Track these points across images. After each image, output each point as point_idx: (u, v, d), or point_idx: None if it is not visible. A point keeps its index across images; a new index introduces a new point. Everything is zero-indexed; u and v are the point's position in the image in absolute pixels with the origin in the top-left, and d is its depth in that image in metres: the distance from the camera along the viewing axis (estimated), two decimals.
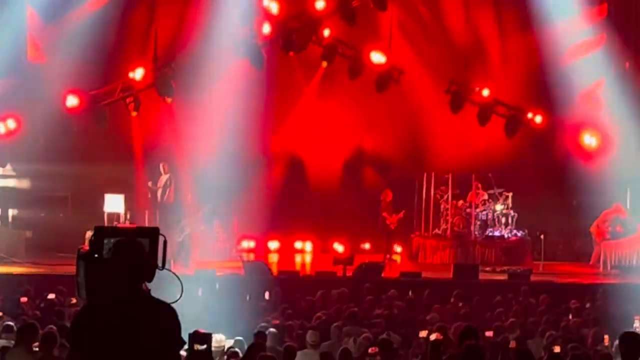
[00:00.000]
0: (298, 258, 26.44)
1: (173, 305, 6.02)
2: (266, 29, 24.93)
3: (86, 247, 6.23)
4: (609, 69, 24.89)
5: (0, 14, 23.61)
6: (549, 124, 25.43)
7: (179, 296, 6.21)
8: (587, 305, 16.96)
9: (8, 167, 26.34)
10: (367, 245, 26.65)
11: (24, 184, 26.81)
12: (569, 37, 25.61)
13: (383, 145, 27.60)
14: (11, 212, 26.32)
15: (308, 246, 27.23)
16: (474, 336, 9.98)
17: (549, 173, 25.85)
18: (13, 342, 11.67)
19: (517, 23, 26.15)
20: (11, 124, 24.27)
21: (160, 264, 6.13)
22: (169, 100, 25.30)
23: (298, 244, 27.23)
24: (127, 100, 25.08)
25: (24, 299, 16.37)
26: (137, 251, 5.90)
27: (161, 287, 6.23)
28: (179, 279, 6.19)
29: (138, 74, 24.70)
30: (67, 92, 24.35)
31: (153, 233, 6.25)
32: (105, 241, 6.18)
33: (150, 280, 5.93)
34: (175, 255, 22.18)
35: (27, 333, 11.22)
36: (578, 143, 25.21)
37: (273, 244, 27.10)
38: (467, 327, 10.45)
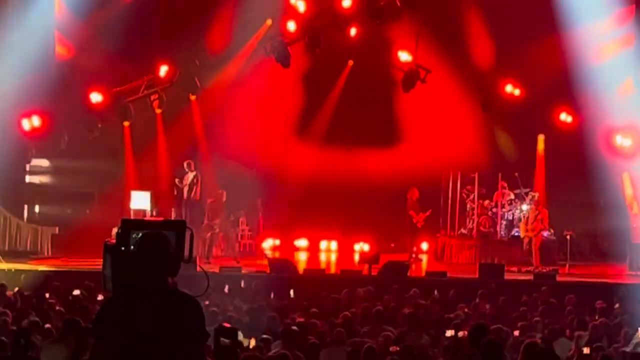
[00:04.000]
0: (323, 257, 26.41)
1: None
2: (292, 27, 24.95)
3: (113, 240, 6.20)
4: (638, 69, 24.72)
5: (28, 9, 23.67)
6: (578, 123, 25.31)
7: (204, 291, 6.18)
8: (616, 305, 16.80)
9: (34, 163, 26.42)
10: (393, 244, 26.59)
11: (50, 180, 26.87)
12: (598, 38, 25.47)
13: (410, 144, 27.51)
14: (38, 209, 26.39)
15: (334, 245, 27.19)
16: (485, 333, 9.86)
17: (576, 173, 25.67)
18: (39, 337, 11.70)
19: (546, 24, 25.98)
20: (37, 120, 24.34)
21: (186, 258, 6.09)
22: (192, 97, 25.38)
23: (324, 243, 27.20)
24: (152, 97, 25.17)
25: (48, 295, 16.46)
26: (162, 244, 5.85)
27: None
28: (206, 273, 6.17)
29: (163, 71, 24.78)
30: (92, 89, 24.43)
31: (180, 226, 6.21)
32: (133, 235, 6.15)
33: (175, 274, 5.89)
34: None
35: (67, 329, 11.24)
36: (610, 144, 25.04)
37: (299, 243, 27.09)
38: (476, 325, 10.24)
